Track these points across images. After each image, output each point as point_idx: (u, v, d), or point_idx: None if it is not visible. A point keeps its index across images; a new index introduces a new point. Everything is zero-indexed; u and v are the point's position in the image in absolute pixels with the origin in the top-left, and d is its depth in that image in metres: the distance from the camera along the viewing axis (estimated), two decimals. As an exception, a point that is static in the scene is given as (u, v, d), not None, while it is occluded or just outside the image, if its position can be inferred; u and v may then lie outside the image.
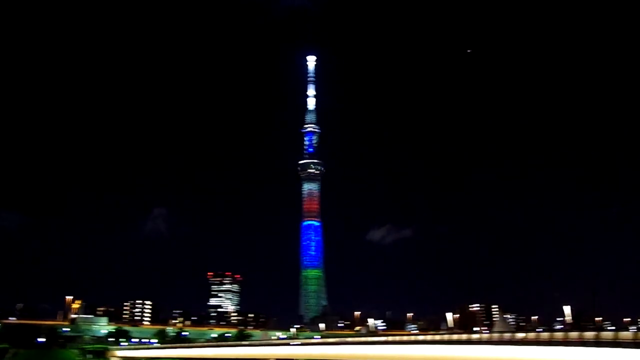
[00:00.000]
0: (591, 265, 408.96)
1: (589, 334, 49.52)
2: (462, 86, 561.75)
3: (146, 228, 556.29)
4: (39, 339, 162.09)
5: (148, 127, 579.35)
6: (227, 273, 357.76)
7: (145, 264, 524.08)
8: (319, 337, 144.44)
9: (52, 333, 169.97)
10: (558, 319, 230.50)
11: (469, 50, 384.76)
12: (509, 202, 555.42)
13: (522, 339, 57.19)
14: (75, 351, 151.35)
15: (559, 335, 53.95)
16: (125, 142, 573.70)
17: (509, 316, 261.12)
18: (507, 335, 60.69)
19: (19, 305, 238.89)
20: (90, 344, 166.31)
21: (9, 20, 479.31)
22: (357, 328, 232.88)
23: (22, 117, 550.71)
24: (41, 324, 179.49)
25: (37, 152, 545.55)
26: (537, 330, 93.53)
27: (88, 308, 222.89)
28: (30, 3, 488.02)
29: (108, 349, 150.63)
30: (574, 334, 51.54)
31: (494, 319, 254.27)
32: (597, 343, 47.25)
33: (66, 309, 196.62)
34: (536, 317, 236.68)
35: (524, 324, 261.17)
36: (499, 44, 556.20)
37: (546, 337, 54.81)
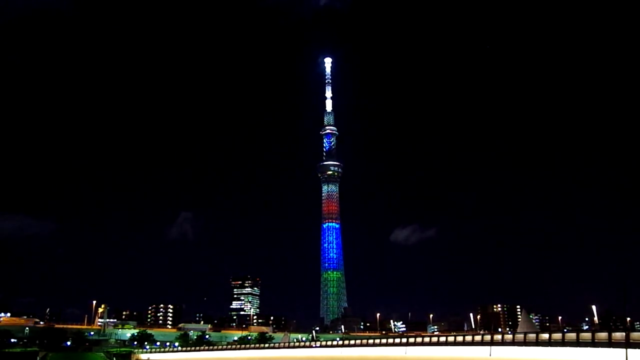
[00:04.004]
0: (618, 265, 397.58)
1: (619, 335, 47.93)
2: (482, 84, 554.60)
3: (173, 232, 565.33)
4: (67, 343, 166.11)
5: (174, 133, 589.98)
6: (248, 276, 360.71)
7: (170, 267, 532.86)
8: (339, 339, 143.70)
9: (79, 337, 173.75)
10: (585, 319, 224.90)
11: (487, 46, 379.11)
12: (534, 202, 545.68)
13: (547, 339, 55.69)
14: (101, 354, 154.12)
15: (586, 335, 52.36)
16: (152, 147, 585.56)
17: (532, 316, 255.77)
18: (531, 336, 59.14)
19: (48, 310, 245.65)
20: (115, 347, 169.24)
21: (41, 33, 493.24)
22: None
23: (54, 127, 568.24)
24: (68, 328, 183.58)
25: (66, 161, 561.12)
26: (563, 330, 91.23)
27: (112, 312, 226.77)
28: (38, 4, 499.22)
29: (133, 352, 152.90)
30: (602, 335, 49.99)
31: (518, 320, 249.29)
32: (628, 344, 45.69)
33: (94, 313, 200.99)
34: (561, 317, 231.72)
35: (548, 324, 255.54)
36: (519, 40, 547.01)
37: (573, 338, 53.30)
